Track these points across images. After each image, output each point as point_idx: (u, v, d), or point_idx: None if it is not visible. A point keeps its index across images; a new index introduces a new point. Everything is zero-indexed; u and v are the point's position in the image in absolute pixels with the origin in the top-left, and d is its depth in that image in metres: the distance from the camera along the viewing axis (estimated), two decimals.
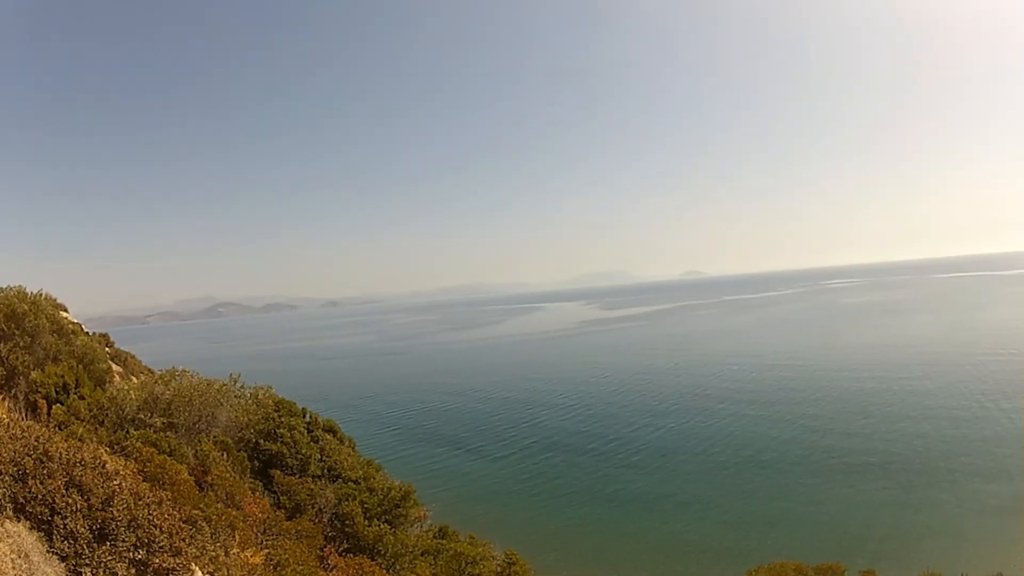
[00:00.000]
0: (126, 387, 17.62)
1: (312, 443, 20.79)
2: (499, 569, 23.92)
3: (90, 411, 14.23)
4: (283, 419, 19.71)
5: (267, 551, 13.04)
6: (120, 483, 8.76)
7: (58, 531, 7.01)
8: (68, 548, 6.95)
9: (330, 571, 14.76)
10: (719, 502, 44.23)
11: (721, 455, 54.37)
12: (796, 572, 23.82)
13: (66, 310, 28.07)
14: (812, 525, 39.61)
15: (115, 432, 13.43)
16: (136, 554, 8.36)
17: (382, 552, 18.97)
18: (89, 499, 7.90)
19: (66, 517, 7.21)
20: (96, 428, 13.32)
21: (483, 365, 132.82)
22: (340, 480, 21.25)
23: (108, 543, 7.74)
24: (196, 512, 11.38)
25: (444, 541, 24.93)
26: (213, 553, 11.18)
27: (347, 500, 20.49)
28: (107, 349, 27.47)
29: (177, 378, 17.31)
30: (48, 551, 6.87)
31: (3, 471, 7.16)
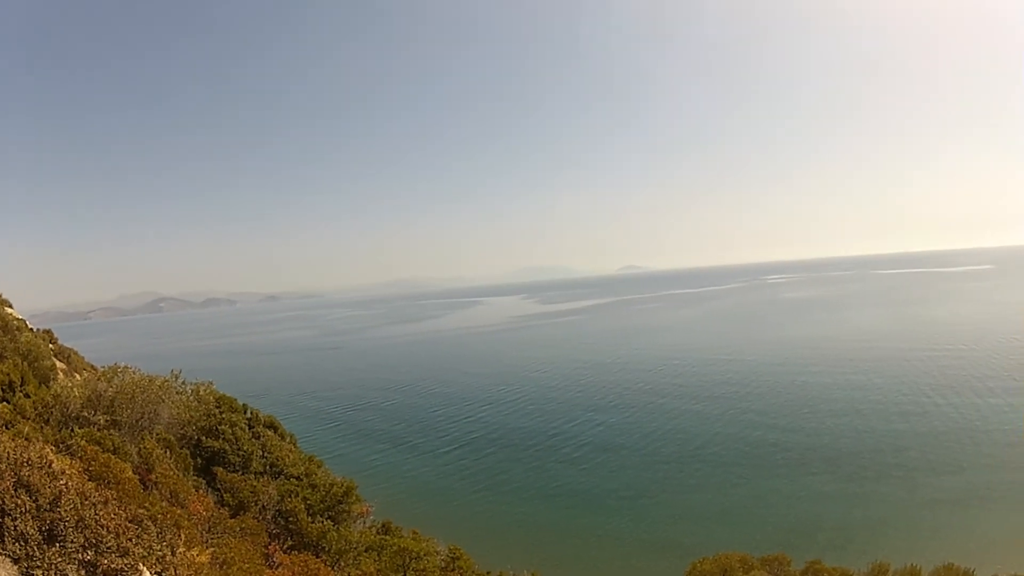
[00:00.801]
0: (70, 384, 16.94)
1: (254, 439, 20.48)
2: (444, 564, 24.14)
3: (35, 409, 13.67)
4: (224, 416, 19.35)
5: (213, 549, 12.90)
6: (67, 483, 8.61)
7: (9, 533, 6.89)
8: (20, 550, 6.84)
9: (275, 569, 14.69)
10: (663, 496, 44.82)
11: (664, 449, 55.07)
12: (741, 563, 23.77)
13: (10, 306, 26.69)
14: (758, 518, 40.18)
15: (60, 430, 12.97)
16: (85, 555, 8.26)
17: (326, 548, 18.90)
18: (37, 500, 7.75)
19: (16, 518, 7.08)
20: (42, 427, 12.83)
21: (424, 360, 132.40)
22: (282, 477, 21.01)
23: (58, 544, 7.63)
24: (142, 511, 11.18)
25: (388, 537, 24.95)
26: (160, 553, 11.01)
27: (290, 497, 20.28)
28: (51, 346, 26.33)
29: (120, 375, 16.76)
30: (0, 553, 6.77)
31: None
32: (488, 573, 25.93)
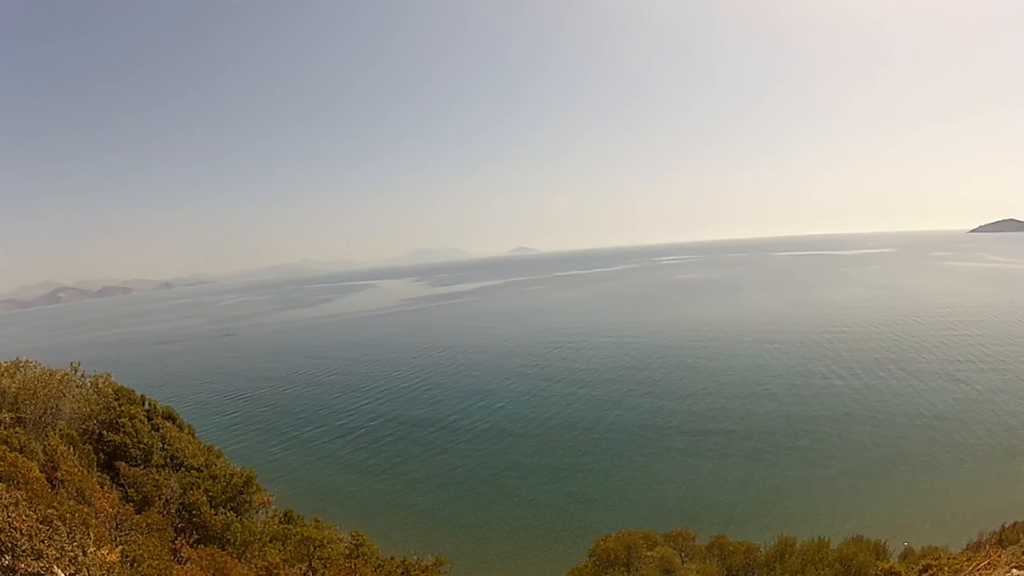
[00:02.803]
0: None
1: (153, 432, 19.93)
2: (347, 551, 24.45)
3: None
4: (124, 408, 18.69)
5: (122, 548, 12.79)
6: None
7: None
8: None
9: (184, 564, 14.67)
10: (563, 477, 45.20)
11: (560, 431, 55.61)
12: (645, 540, 23.82)
13: None
14: (659, 496, 40.49)
15: None
16: (3, 560, 8.25)
17: (231, 540, 18.87)
18: None
19: None
20: None
21: (317, 345, 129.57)
22: (183, 469, 20.62)
23: None
24: (51, 511, 11.04)
25: (290, 526, 24.99)
26: (72, 554, 10.92)
27: (192, 489, 19.96)
28: None
29: (21, 369, 15.82)
30: None
31: None
32: (392, 558, 26.37)
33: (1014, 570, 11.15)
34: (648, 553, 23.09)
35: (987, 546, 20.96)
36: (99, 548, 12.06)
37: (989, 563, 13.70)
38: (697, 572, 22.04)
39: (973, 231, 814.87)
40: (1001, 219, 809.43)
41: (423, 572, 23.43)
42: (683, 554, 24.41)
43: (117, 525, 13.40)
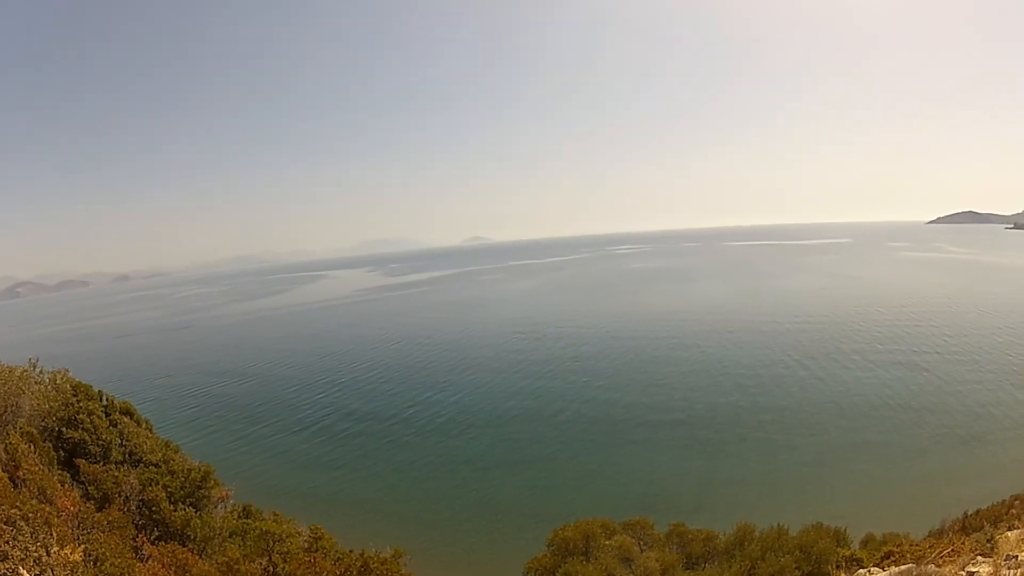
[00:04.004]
0: None
1: (111, 428, 19.81)
2: (306, 544, 24.60)
3: None
4: (82, 404, 18.54)
5: (85, 546, 12.87)
6: None
7: None
8: None
9: (146, 562, 14.78)
10: (520, 467, 45.84)
11: (518, 421, 56.22)
12: (603, 529, 23.82)
13: None
14: (617, 484, 41.13)
15: None
16: None
17: (192, 536, 18.93)
18: None
19: None
20: None
21: (272, 337, 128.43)
22: (141, 465, 20.55)
23: None
24: (14, 511, 11.09)
25: (249, 520, 24.98)
26: (36, 554, 11.02)
27: (151, 485, 19.91)
28: None
29: None
30: None
31: None
32: (351, 551, 26.61)
33: (979, 557, 10.90)
34: (606, 542, 23.13)
35: (950, 533, 20.95)
36: (62, 548, 12.17)
37: (953, 550, 13.70)
38: (656, 560, 22.04)
39: (931, 222, 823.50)
40: (960, 211, 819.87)
41: (382, 564, 23.67)
42: (642, 542, 24.45)
43: (79, 524, 13.46)
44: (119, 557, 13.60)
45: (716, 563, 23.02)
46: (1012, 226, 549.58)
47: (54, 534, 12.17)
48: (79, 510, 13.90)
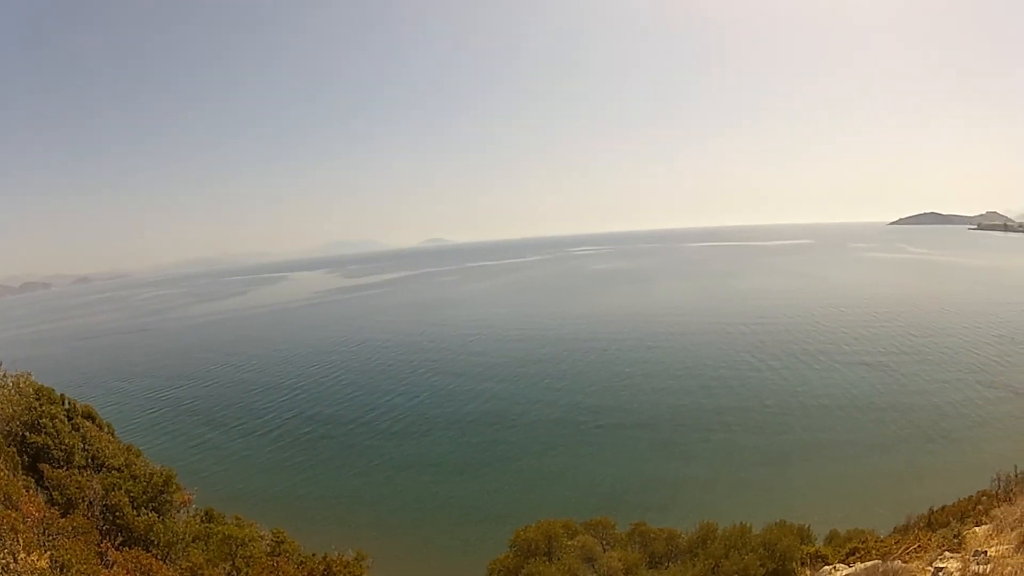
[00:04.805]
0: None
1: (74, 432, 19.72)
2: (269, 549, 24.70)
3: None
4: (45, 408, 18.44)
5: (51, 553, 12.99)
6: None
7: None
8: None
9: (111, 568, 14.89)
10: (482, 468, 46.20)
11: (479, 423, 56.53)
12: (565, 529, 23.92)
13: None
14: (579, 484, 41.51)
15: None
16: None
17: (155, 542, 18.96)
18: None
19: None
20: None
21: (233, 339, 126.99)
22: (104, 469, 20.49)
23: None
24: None
25: (212, 525, 24.97)
26: (3, 561, 11.14)
27: (114, 490, 19.86)
28: None
29: None
30: None
31: None
32: (313, 555, 26.74)
33: (946, 553, 10.73)
34: (569, 542, 23.18)
35: (915, 530, 20.75)
36: (29, 554, 12.30)
37: (920, 546, 13.66)
38: (619, 559, 21.94)
39: (893, 223, 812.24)
40: (922, 212, 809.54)
41: (345, 567, 23.88)
42: (604, 542, 24.42)
43: (45, 530, 13.52)
44: (85, 563, 13.72)
45: (679, 562, 22.87)
46: (976, 227, 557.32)
47: (21, 540, 12.28)
48: (44, 516, 13.96)
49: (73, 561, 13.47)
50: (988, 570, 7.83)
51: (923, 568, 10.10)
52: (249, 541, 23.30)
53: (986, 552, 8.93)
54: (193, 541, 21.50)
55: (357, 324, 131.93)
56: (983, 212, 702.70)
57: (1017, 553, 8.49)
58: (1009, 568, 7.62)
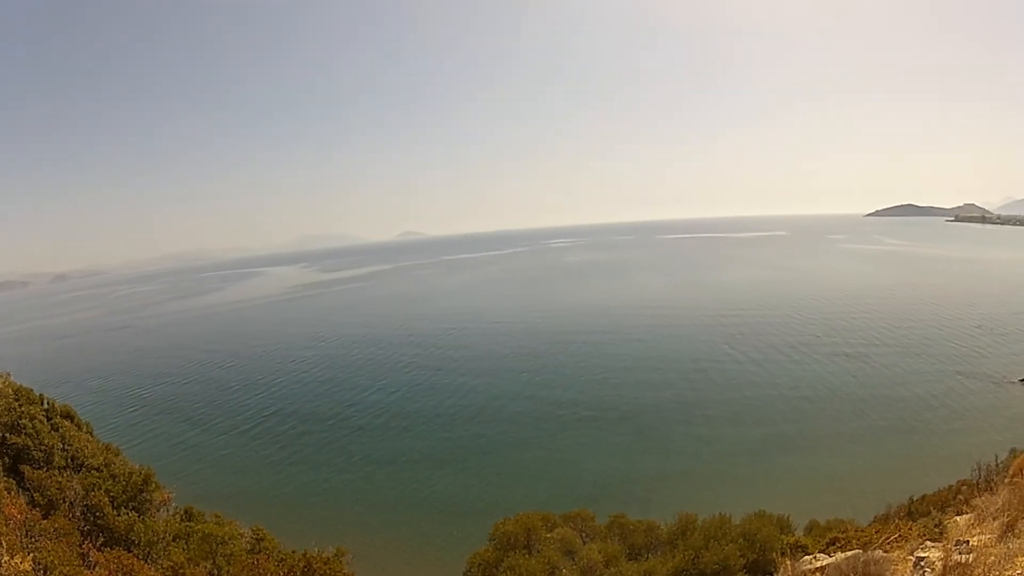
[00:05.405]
0: None
1: (53, 432, 19.70)
2: (249, 546, 24.80)
3: None
4: (24, 409, 18.39)
5: (33, 554, 13.10)
6: None
7: None
8: None
9: (93, 568, 15.01)
10: (461, 462, 46.42)
11: (457, 417, 56.81)
12: (544, 521, 23.93)
13: None
14: (557, 477, 41.83)
15: None
16: None
17: (136, 541, 19.02)
18: None
19: None
20: None
21: (211, 335, 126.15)
22: (84, 469, 20.50)
23: None
24: None
25: (192, 523, 25.01)
26: None
27: (94, 490, 19.86)
28: None
29: None
30: None
31: None
32: (293, 551, 26.84)
33: (927, 542, 10.61)
34: (548, 535, 23.17)
35: (896, 519, 20.46)
36: (12, 557, 12.40)
37: (900, 535, 13.50)
38: (599, 551, 21.84)
39: (870, 215, 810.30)
40: (899, 204, 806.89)
41: (325, 564, 24.04)
42: (583, 534, 24.38)
43: (27, 532, 13.62)
44: (67, 565, 13.83)
45: (659, 553, 22.77)
46: (953, 219, 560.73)
47: (3, 543, 12.39)
48: (26, 518, 14.04)
49: (56, 563, 13.58)
50: (971, 559, 7.78)
51: (904, 558, 10.04)
52: (229, 539, 23.42)
53: (968, 541, 8.97)
54: (173, 540, 21.57)
55: (335, 319, 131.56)
56: (961, 204, 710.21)
57: (1000, 542, 8.54)
58: (992, 557, 7.64)
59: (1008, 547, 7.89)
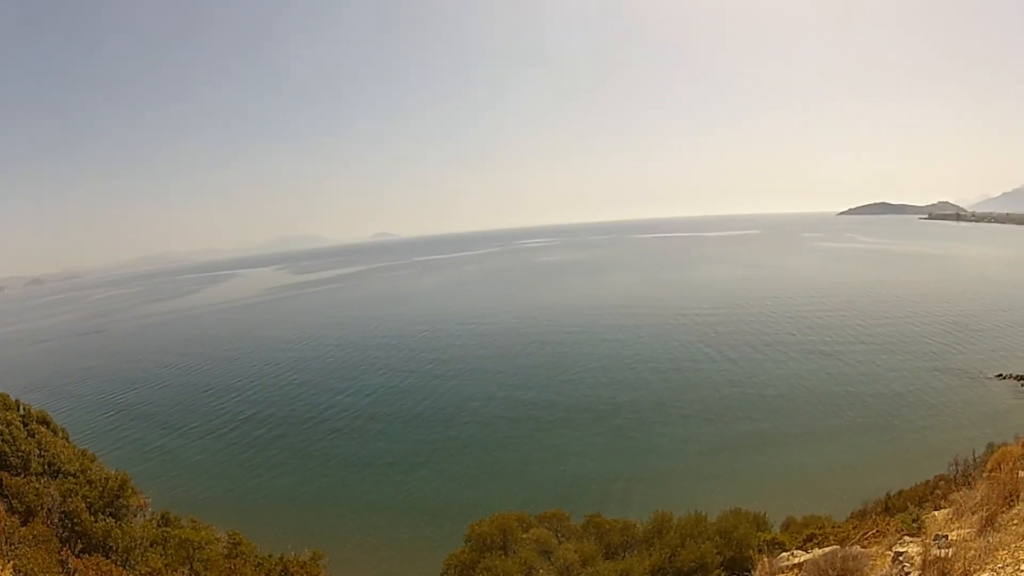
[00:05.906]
0: None
1: (30, 438, 19.71)
2: (226, 551, 24.89)
3: None
4: (1, 415, 18.41)
5: (14, 562, 13.24)
6: None
7: None
8: None
9: (72, 575, 15.15)
10: (436, 463, 46.45)
11: (432, 418, 56.78)
12: (519, 522, 23.92)
13: None
14: (532, 477, 41.95)
15: None
16: None
17: (114, 547, 19.12)
18: None
19: None
20: None
21: (185, 339, 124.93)
22: (61, 475, 20.53)
23: None
24: None
25: (169, 528, 25.07)
26: None
27: (71, 496, 19.90)
28: None
29: None
30: None
31: None
32: (270, 555, 26.93)
33: (906, 537, 10.59)
34: (523, 535, 23.20)
35: (873, 515, 20.43)
36: None
37: (878, 531, 13.45)
38: (575, 551, 21.82)
39: (842, 213, 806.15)
40: (873, 202, 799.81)
41: (302, 568, 24.24)
42: (559, 534, 24.41)
43: (6, 539, 13.75)
44: (47, 572, 13.98)
45: (635, 552, 22.70)
46: (927, 216, 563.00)
47: None
48: (5, 525, 14.17)
49: (36, 570, 13.74)
50: (950, 554, 7.65)
51: (883, 553, 9.99)
52: (206, 544, 23.49)
53: (947, 536, 8.95)
54: (151, 545, 21.66)
55: (309, 321, 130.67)
56: (935, 202, 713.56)
57: (979, 536, 8.46)
58: (972, 552, 7.58)
59: (988, 541, 7.93)
